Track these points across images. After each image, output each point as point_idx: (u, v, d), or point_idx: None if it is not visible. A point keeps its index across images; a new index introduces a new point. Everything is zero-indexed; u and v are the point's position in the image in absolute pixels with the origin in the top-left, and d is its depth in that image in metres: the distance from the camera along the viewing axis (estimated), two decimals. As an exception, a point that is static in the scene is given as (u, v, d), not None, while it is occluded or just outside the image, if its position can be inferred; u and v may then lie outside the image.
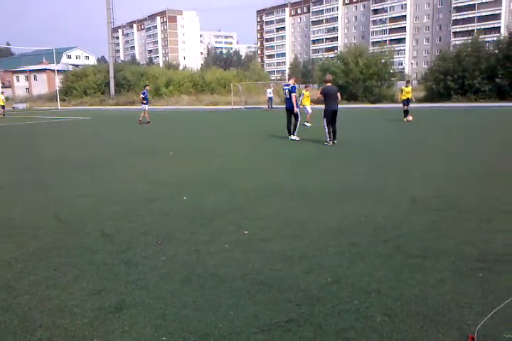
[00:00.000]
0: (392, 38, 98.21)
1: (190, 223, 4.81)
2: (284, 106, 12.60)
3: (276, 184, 6.76)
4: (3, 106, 32.09)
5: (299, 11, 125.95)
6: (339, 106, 11.36)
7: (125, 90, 50.42)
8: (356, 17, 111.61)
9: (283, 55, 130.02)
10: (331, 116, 11.13)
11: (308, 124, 16.97)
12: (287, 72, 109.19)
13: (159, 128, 19.05)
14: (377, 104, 32.40)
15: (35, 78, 75.09)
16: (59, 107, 46.01)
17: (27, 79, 76.80)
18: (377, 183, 6.64)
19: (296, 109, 12.00)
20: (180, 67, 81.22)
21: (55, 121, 25.67)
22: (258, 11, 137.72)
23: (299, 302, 2.96)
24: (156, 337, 2.61)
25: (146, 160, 9.59)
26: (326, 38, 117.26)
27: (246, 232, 4.44)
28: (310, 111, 17.85)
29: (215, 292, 3.15)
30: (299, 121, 12.33)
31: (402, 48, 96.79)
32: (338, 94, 11.29)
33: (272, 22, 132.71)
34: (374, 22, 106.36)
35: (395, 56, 39.83)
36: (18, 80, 79.02)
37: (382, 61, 36.24)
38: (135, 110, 37.30)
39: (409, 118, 17.29)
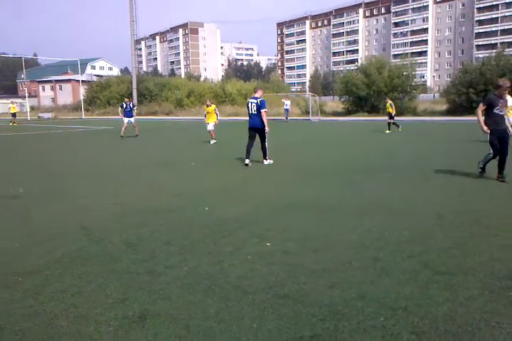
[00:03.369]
0: (414, 50, 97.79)
1: (213, 234, 4.81)
2: (248, 123, 10.37)
3: (297, 196, 6.73)
4: (14, 114, 33.67)
5: (319, 24, 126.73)
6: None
7: (147, 101, 51.18)
8: (377, 30, 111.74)
9: (303, 67, 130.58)
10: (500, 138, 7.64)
11: (213, 141, 15.60)
12: (308, 84, 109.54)
13: (181, 138, 19.24)
14: (399, 117, 32.17)
15: (61, 88, 76.84)
16: (83, 117, 46.89)
17: (52, 89, 78.64)
18: (400, 197, 6.56)
19: (267, 128, 10.03)
20: (202, 79, 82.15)
21: (80, 131, 26.15)
22: (278, 24, 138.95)
23: (323, 317, 2.92)
24: (180, 348, 2.60)
25: (168, 171, 9.68)
26: (347, 51, 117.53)
27: (268, 244, 4.42)
28: (212, 128, 15.96)
29: (238, 304, 3.13)
30: (266, 143, 10.23)
31: (423, 61, 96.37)
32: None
33: (292, 34, 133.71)
34: (395, 35, 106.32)
35: (416, 69, 39.52)
36: (43, 90, 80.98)
37: (405, 73, 36.02)
38: (157, 120, 37.78)
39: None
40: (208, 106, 16.30)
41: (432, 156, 11.31)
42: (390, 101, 20.05)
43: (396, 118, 20.60)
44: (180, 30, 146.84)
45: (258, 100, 10.04)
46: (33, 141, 19.85)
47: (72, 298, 3.27)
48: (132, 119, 19.15)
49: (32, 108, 61.48)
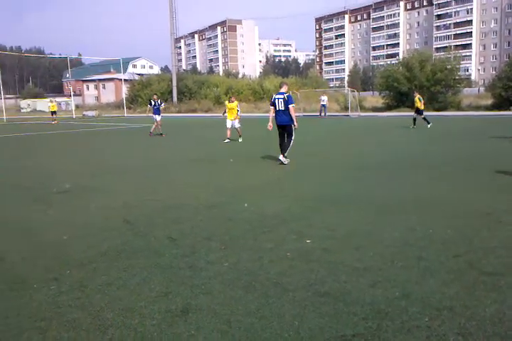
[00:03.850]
0: (457, 43, 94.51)
1: (253, 230, 4.83)
2: (276, 120, 9.79)
3: (335, 193, 6.66)
4: (54, 112, 35.28)
5: (358, 18, 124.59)
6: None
7: (187, 98, 51.88)
8: (419, 22, 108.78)
9: (342, 62, 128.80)
10: None
11: (240, 140, 15.51)
12: (346, 79, 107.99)
13: (218, 135, 19.40)
14: (442, 112, 31.21)
15: (104, 87, 79.00)
16: (125, 115, 48.00)
17: (96, 87, 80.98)
18: (444, 194, 6.37)
19: (295, 124, 9.58)
20: (240, 76, 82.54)
21: (122, 128, 26.82)
22: (317, 19, 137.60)
23: (365, 316, 2.88)
24: (222, 343, 2.63)
25: (207, 167, 9.79)
26: (387, 45, 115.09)
27: (308, 241, 4.40)
28: (238, 125, 15.69)
29: (278, 301, 3.13)
30: (292, 141, 9.73)
31: (468, 54, 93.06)
32: None
33: (330, 29, 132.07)
34: (437, 27, 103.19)
35: (460, 62, 38.12)
36: (87, 89, 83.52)
37: (448, 67, 34.89)
38: (197, 117, 38.25)
39: None
40: (231, 101, 15.83)
41: (475, 153, 10.93)
42: (418, 96, 19.51)
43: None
44: (219, 28, 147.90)
45: (285, 95, 9.58)
46: (77, 138, 20.53)
47: (117, 291, 3.37)
48: (158, 117, 18.95)
49: (77, 106, 63.44)
